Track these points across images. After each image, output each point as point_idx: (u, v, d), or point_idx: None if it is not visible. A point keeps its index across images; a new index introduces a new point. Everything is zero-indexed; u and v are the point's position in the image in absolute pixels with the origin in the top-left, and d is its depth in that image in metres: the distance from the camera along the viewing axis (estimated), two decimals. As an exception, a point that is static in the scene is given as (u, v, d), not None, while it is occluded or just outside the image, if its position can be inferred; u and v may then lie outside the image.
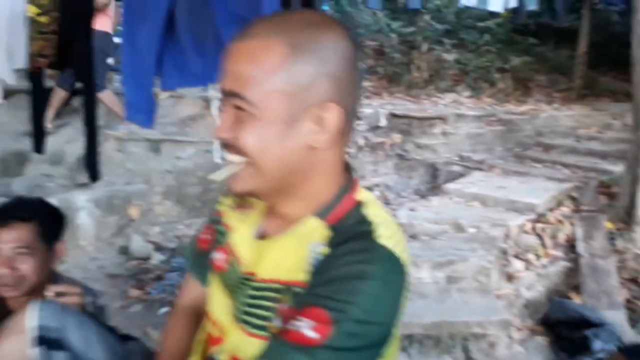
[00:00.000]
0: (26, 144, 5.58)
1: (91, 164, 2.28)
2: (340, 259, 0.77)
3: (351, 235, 0.81)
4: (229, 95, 0.82)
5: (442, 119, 6.01)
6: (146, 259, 4.29)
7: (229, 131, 0.82)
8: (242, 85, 0.79)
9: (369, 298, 0.72)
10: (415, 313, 3.18)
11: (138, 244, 4.48)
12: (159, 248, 4.53)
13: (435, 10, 8.50)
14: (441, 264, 3.47)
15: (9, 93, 4.72)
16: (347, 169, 0.93)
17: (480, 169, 5.19)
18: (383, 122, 6.06)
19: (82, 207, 4.57)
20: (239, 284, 0.90)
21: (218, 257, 0.98)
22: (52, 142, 5.63)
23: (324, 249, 0.81)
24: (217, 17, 1.66)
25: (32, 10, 2.27)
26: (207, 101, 5.73)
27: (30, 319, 1.08)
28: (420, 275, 3.45)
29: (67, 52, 2.13)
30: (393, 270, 0.77)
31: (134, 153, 5.37)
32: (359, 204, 0.88)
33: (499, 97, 7.71)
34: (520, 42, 8.68)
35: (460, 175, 5.11)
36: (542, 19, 9.11)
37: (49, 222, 1.51)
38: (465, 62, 8.20)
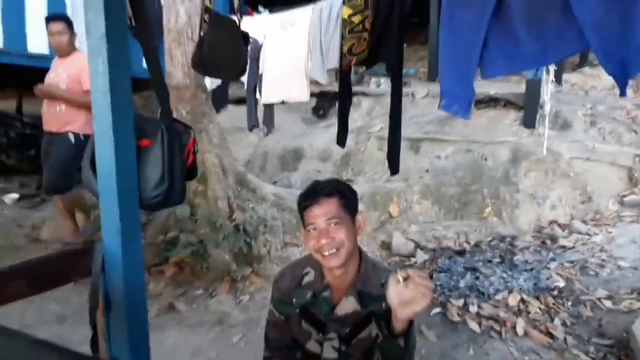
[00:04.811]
0: (301, 143, 6.32)
1: (393, 159, 2.33)
2: None
3: None
4: None
5: None
6: (409, 256, 4.32)
7: None
8: None
9: None
10: None
11: (399, 241, 4.55)
12: (418, 247, 4.51)
13: None
14: None
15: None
16: None
17: None
18: (687, 118, 4.95)
19: (349, 201, 4.87)
20: None
21: None
22: (320, 141, 6.22)
23: None
24: (568, -11, 1.46)
25: (346, 11, 2.43)
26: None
27: None
28: None
29: (378, 48, 2.20)
30: None
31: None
32: None
33: None
34: None
35: None
36: None
37: (347, 196, 1.59)
38: None
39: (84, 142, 3.93)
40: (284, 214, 4.47)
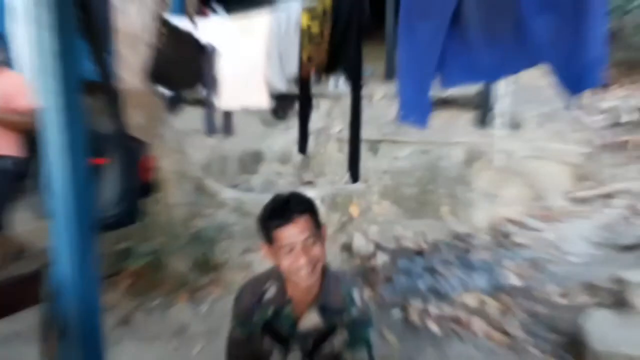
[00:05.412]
0: (261, 145, 6.25)
1: (354, 166, 2.34)
2: None
3: None
4: None
5: None
6: (369, 257, 4.35)
7: None
8: None
9: None
10: None
11: (360, 242, 4.58)
12: (378, 248, 4.56)
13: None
14: None
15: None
16: None
17: None
18: (626, 117, 5.20)
19: (310, 204, 4.87)
20: None
21: None
22: (280, 143, 6.17)
23: None
24: (522, 5, 1.49)
25: (305, 20, 2.41)
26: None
27: None
28: None
29: (337, 57, 2.20)
30: None
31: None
32: None
33: None
34: None
35: None
36: None
37: (315, 211, 1.58)
38: None
39: (18, 167, 3.62)
40: (245, 219, 4.41)
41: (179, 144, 4.18)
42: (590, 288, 3.37)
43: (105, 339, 1.53)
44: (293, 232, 1.50)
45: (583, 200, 4.90)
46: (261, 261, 4.20)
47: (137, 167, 1.53)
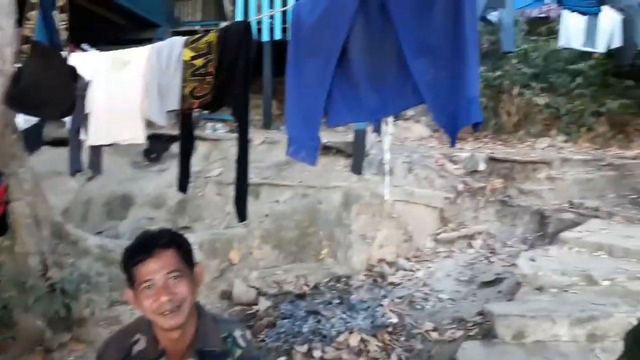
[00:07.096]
0: (130, 188, 5.84)
1: (241, 205, 2.26)
2: None
3: None
4: None
5: (546, 163, 5.69)
6: (251, 304, 4.20)
7: None
8: None
9: None
10: (555, 375, 2.86)
11: (241, 289, 4.42)
12: (260, 294, 4.44)
13: (522, 54, 8.33)
14: (581, 320, 3.14)
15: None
16: None
17: (597, 217, 4.80)
18: (482, 166, 5.83)
19: (186, 250, 4.62)
20: None
21: None
22: (153, 186, 5.84)
23: None
24: (405, 48, 1.59)
25: (188, 54, 2.34)
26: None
27: None
28: (558, 332, 3.14)
29: (223, 93, 2.15)
30: None
31: (233, 197, 5.43)
32: None
33: (597, 141, 7.35)
34: (615, 85, 8.25)
35: (575, 223, 4.74)
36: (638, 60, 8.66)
37: (184, 246, 1.47)
38: (556, 106, 7.89)
39: None
40: (111, 268, 4.01)
41: (36, 187, 3.72)
42: (460, 322, 3.59)
43: None
44: (153, 267, 1.36)
45: (448, 241, 5.31)
46: (131, 314, 3.82)
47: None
